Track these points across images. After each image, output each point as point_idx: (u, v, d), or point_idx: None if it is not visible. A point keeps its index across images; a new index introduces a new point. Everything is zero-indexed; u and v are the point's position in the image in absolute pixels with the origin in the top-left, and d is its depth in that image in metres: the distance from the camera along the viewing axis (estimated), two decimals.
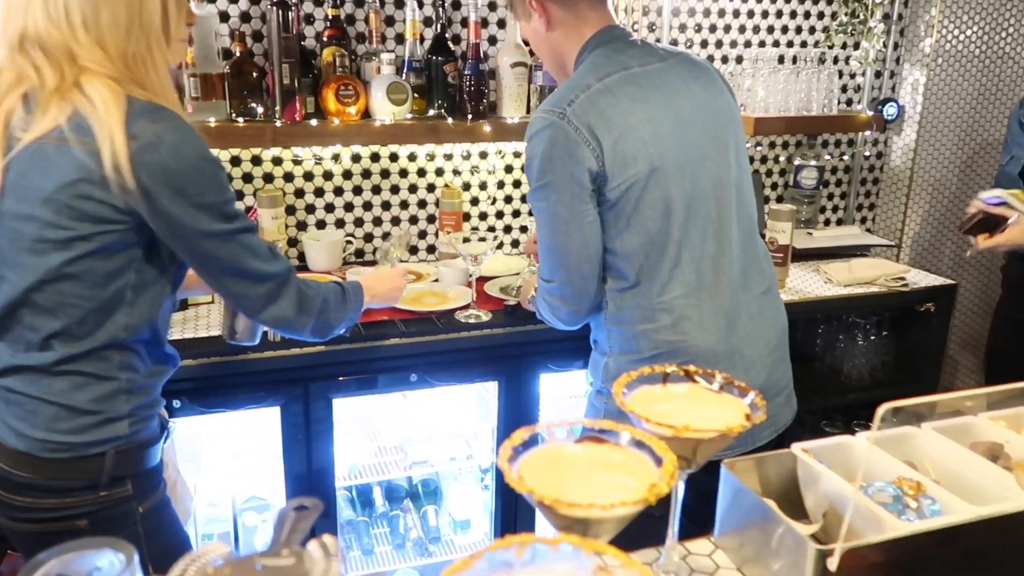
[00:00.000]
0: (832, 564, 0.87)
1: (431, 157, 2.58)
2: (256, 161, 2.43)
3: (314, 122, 2.21)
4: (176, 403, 1.85)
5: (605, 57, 1.52)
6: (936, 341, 2.67)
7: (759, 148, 3.06)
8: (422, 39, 2.38)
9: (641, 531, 1.02)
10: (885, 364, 2.76)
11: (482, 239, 2.68)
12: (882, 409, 0.77)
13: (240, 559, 0.56)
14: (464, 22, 2.45)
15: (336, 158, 2.48)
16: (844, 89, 3.06)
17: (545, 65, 1.68)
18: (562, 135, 1.43)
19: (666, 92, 1.52)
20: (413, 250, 2.65)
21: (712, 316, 1.53)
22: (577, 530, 0.76)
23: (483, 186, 2.66)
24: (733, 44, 2.86)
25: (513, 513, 2.33)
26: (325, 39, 2.29)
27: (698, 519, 1.10)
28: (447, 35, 2.41)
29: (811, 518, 1.07)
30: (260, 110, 2.19)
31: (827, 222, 3.22)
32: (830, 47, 2.97)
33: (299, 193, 2.50)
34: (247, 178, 2.44)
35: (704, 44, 2.83)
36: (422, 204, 2.62)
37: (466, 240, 2.65)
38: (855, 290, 2.57)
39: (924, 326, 2.67)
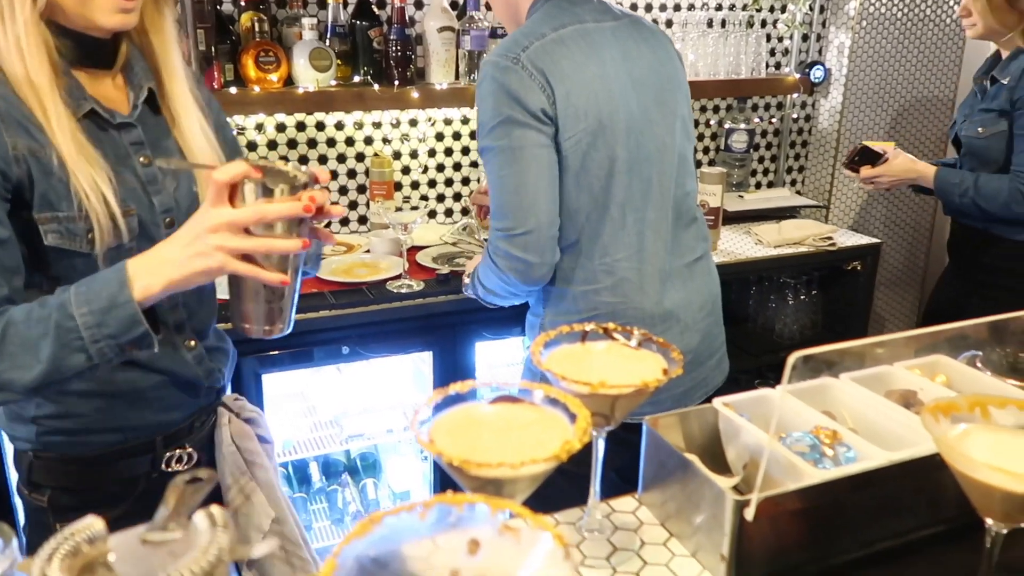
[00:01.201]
0: (748, 514, 0.88)
1: (359, 126, 2.52)
2: None
3: (233, 90, 2.13)
4: None
5: (559, 8, 1.50)
6: (863, 299, 2.74)
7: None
8: (345, 4, 2.31)
9: (579, 491, 1.02)
10: (815, 322, 2.82)
11: (414, 208, 2.64)
12: (793, 358, 0.78)
13: (121, 534, 0.53)
14: None
15: (260, 128, 2.41)
16: (772, 53, 3.09)
17: (497, 14, 1.64)
18: (516, 77, 1.41)
19: (619, 52, 1.51)
20: (344, 221, 2.60)
21: (651, 280, 1.54)
22: (490, 491, 0.74)
23: (414, 154, 2.61)
24: (663, 8, 2.85)
25: (453, 483, 2.32)
26: (243, 3, 2.21)
27: (632, 478, 1.10)
28: None
29: (733, 471, 1.08)
30: None
31: (758, 185, 3.26)
32: (758, 10, 2.99)
33: None
34: None
35: (634, 7, 2.82)
36: (351, 174, 2.56)
37: (398, 209, 2.61)
38: (784, 251, 2.61)
39: (851, 284, 2.73)
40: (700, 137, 3.11)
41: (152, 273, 0.97)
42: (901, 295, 3.40)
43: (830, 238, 2.64)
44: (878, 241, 2.71)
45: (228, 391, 1.39)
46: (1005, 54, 2.25)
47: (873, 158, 2.44)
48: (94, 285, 0.98)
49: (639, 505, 1.09)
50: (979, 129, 2.26)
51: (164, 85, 1.18)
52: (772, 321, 2.88)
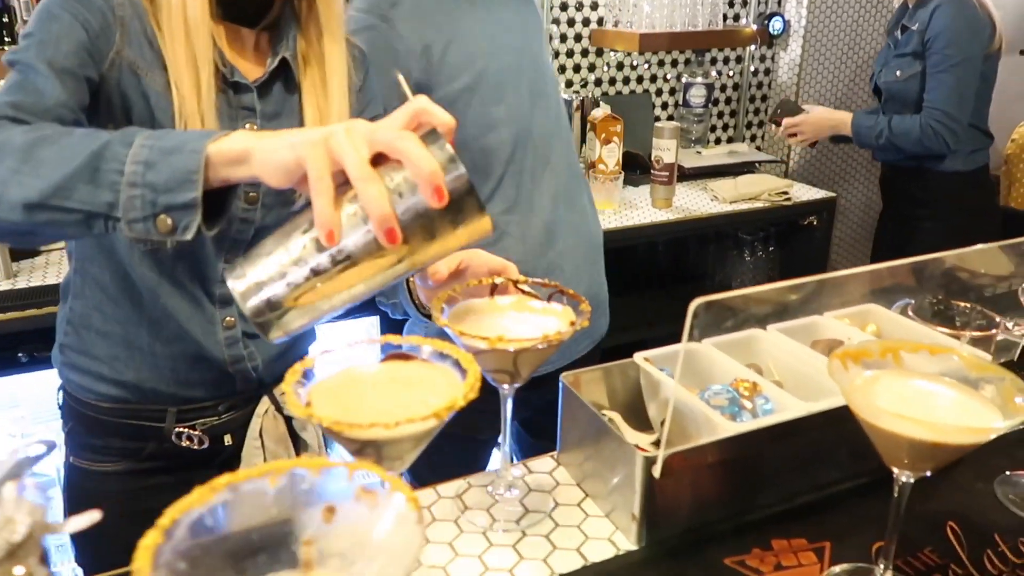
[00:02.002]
0: (656, 471, 0.84)
1: None
2: None
3: None
4: None
5: None
6: (819, 253, 2.71)
7: (647, 67, 3.00)
8: None
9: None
10: (772, 278, 2.80)
11: None
12: (694, 305, 0.73)
13: None
14: None
15: None
16: (731, 4, 3.02)
17: None
18: (382, 43, 1.33)
19: (489, 2, 1.45)
20: None
21: (532, 231, 1.49)
22: (370, 453, 0.70)
23: None
24: None
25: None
26: None
27: (544, 434, 1.07)
28: None
29: (654, 428, 1.05)
30: None
31: (718, 140, 3.21)
32: None
33: None
34: None
35: None
36: None
37: None
38: (740, 206, 2.58)
39: (808, 239, 2.70)
40: (658, 92, 3.06)
41: (241, 138, 0.75)
42: (860, 250, 3.39)
43: (786, 192, 2.61)
44: (833, 195, 2.69)
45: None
46: (912, 3, 2.37)
47: (794, 111, 2.54)
48: (173, 133, 0.80)
49: (557, 465, 1.06)
50: (896, 73, 2.37)
51: (315, 44, 1.07)
52: (730, 278, 2.86)
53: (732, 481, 0.93)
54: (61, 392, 1.18)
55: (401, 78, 0.90)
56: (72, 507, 1.22)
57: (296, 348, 1.21)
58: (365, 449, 0.69)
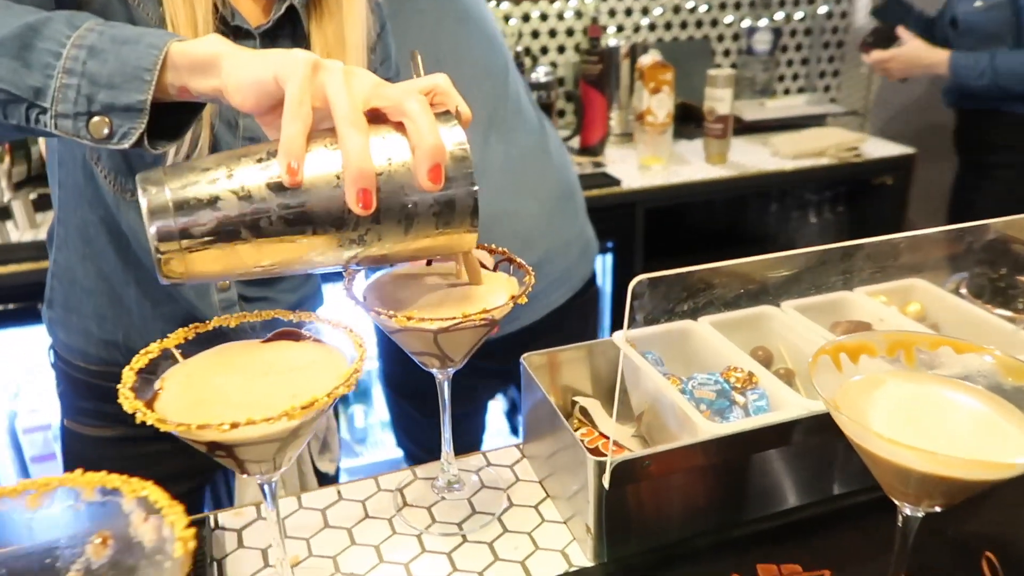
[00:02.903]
0: (605, 480, 0.69)
1: None
2: None
3: None
4: None
5: None
6: (895, 216, 2.45)
7: (706, 9, 2.76)
8: None
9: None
10: (839, 242, 2.55)
11: None
12: (634, 282, 0.58)
13: None
14: None
15: None
16: None
17: None
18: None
19: None
20: None
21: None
22: (222, 456, 0.58)
23: None
24: None
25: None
26: None
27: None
28: None
29: (636, 419, 0.90)
30: None
31: (786, 91, 2.95)
32: None
33: None
34: None
35: None
36: None
37: None
38: (803, 163, 2.34)
39: (881, 200, 2.44)
40: (719, 38, 2.81)
41: (212, 42, 0.62)
42: (937, 212, 3.07)
43: (856, 148, 2.35)
44: (911, 151, 2.41)
45: None
46: None
47: (888, 40, 2.22)
48: (132, 26, 0.66)
49: (521, 458, 0.92)
50: (977, 4, 2.09)
51: None
52: (793, 242, 2.62)
53: (711, 491, 0.78)
54: (52, 352, 1.11)
55: (419, 57, 0.76)
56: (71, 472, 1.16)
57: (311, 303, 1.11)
58: (216, 452, 0.57)
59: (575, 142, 2.46)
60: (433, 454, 0.88)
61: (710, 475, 0.77)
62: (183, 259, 0.58)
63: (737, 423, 0.75)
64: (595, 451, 0.84)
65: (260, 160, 0.59)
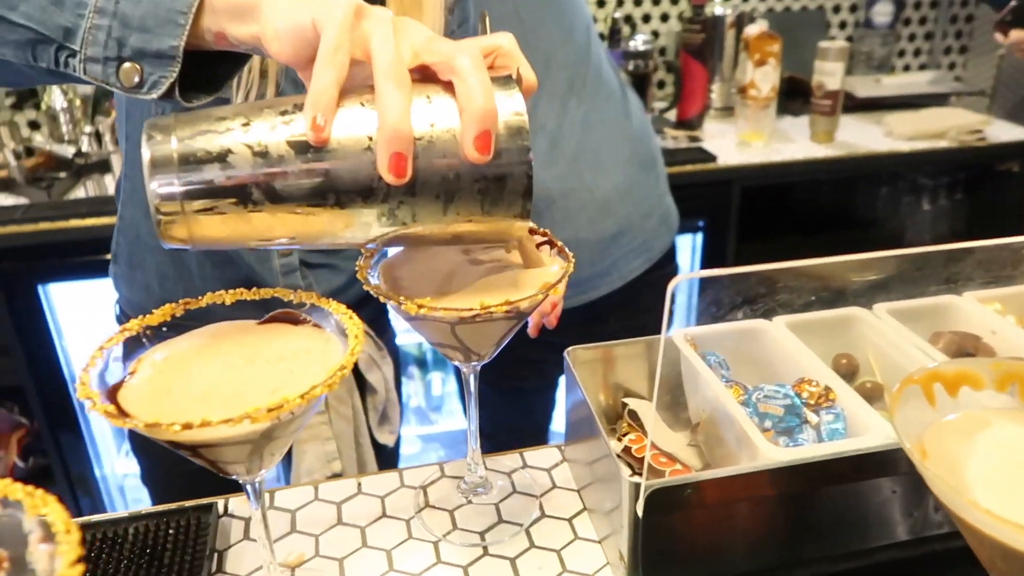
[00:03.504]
0: (638, 507, 0.60)
1: None
2: None
3: None
4: None
5: None
6: (1018, 207, 2.20)
7: None
8: None
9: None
10: (955, 232, 2.33)
11: None
12: (674, 283, 0.48)
13: None
14: None
15: None
16: None
17: None
18: None
19: None
20: None
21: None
22: (208, 457, 0.52)
23: None
24: None
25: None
26: None
27: None
28: None
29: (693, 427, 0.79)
30: None
31: (906, 67, 2.70)
32: None
33: None
34: None
35: None
36: None
37: None
38: (919, 145, 2.13)
39: (1004, 189, 2.20)
40: (835, 9, 2.58)
41: None
42: None
43: (979, 131, 2.12)
44: None
45: None
46: None
47: None
48: None
49: (561, 461, 0.83)
50: None
51: None
52: (902, 229, 2.41)
53: (767, 525, 0.67)
54: (117, 306, 1.10)
55: (487, 18, 0.68)
56: (136, 443, 1.15)
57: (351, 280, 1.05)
58: (180, 450, 0.51)
59: (671, 115, 2.32)
60: (499, 429, 0.80)
61: (767, 506, 0.66)
62: (186, 222, 0.51)
63: (805, 449, 0.63)
64: (643, 461, 0.75)
65: (284, 112, 0.51)
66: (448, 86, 0.52)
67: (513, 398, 1.40)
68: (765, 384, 0.72)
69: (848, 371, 0.79)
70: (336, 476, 1.08)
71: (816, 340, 0.79)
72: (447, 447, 2.42)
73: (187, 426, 0.45)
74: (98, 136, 1.90)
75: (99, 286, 1.73)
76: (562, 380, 1.56)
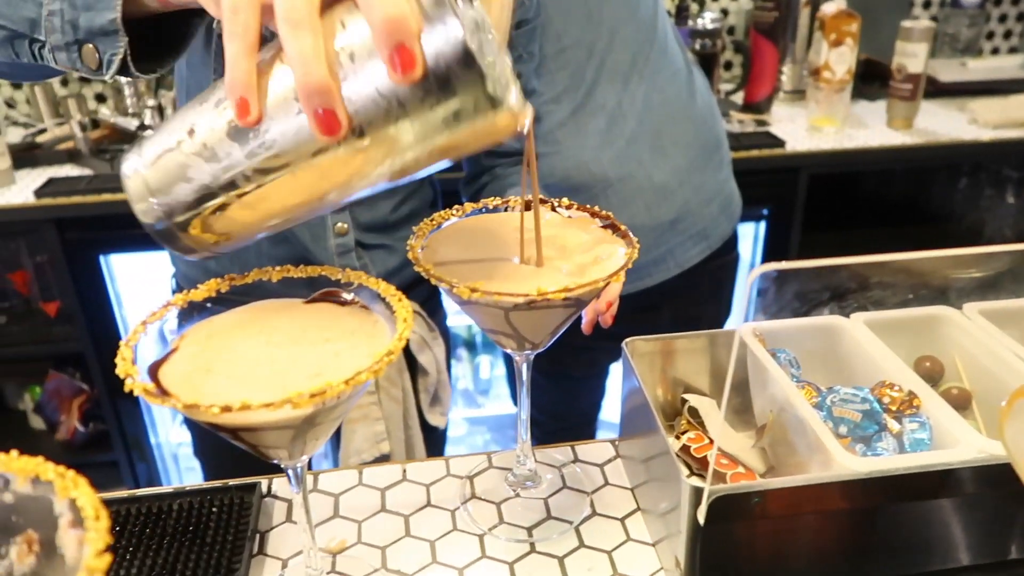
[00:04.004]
0: (700, 514, 0.55)
1: None
2: None
3: None
4: None
5: None
6: None
7: None
8: None
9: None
10: None
11: None
12: (755, 273, 0.43)
13: None
14: None
15: None
16: None
17: None
18: None
19: None
20: None
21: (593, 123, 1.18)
22: (249, 440, 0.49)
23: None
24: None
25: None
26: None
27: None
28: None
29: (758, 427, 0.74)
30: None
31: (995, 50, 2.55)
32: None
33: None
34: None
35: None
36: None
37: None
38: (1006, 134, 2.01)
39: None
40: None
41: None
42: None
43: None
44: None
45: None
46: None
47: None
48: None
49: (615, 456, 0.79)
50: None
51: None
52: (981, 224, 2.29)
53: (839, 539, 0.62)
54: (174, 279, 1.10)
55: None
56: None
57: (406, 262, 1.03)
58: (221, 432, 0.48)
59: (739, 97, 2.23)
60: (545, 415, 0.77)
61: (838, 520, 0.61)
62: (183, 237, 0.51)
63: (886, 460, 0.58)
64: (702, 462, 0.71)
65: (219, 103, 0.47)
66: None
67: (560, 385, 1.36)
68: (840, 386, 0.67)
69: (931, 375, 0.73)
70: (384, 457, 1.06)
71: (896, 340, 0.73)
72: (493, 431, 2.40)
73: (226, 408, 0.42)
74: (160, 110, 1.92)
75: (158, 258, 1.75)
76: (613, 368, 1.53)
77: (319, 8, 0.43)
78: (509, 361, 1.64)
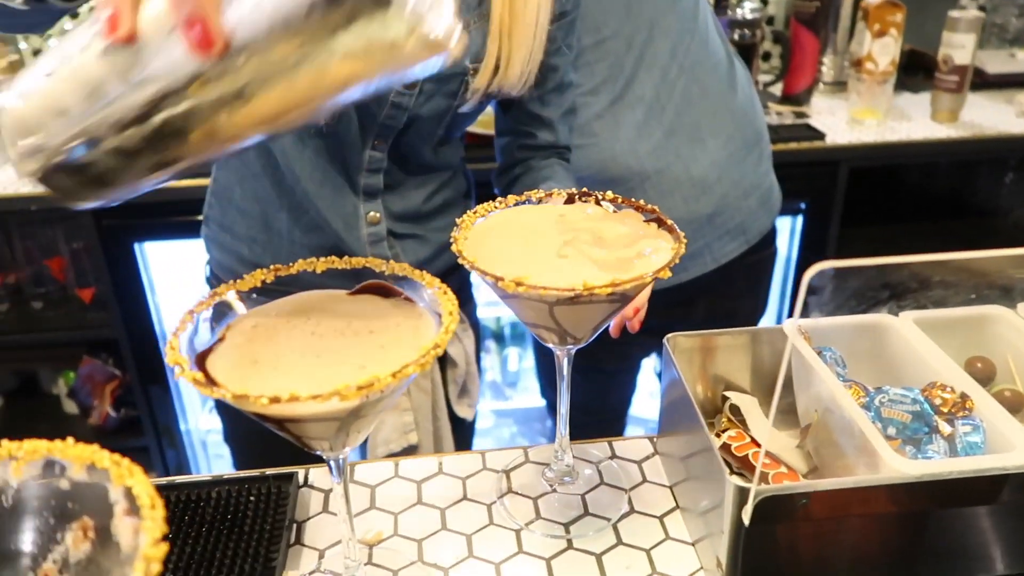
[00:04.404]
0: (745, 514, 0.54)
1: None
2: None
3: None
4: None
5: None
6: None
7: None
8: None
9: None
10: None
11: None
12: (814, 271, 0.42)
13: None
14: None
15: None
16: None
17: None
18: None
19: None
20: None
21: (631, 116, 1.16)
22: (293, 432, 0.49)
23: None
24: None
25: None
26: None
27: None
28: None
29: (801, 426, 0.73)
30: None
31: None
32: None
33: None
34: None
35: None
36: None
37: None
38: None
39: None
40: None
41: None
42: None
43: None
44: None
45: None
46: None
47: None
48: None
49: (652, 453, 0.78)
50: None
51: None
52: None
53: (886, 543, 0.60)
54: (208, 267, 1.11)
55: None
56: (221, 401, 1.15)
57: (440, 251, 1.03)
58: (267, 422, 0.48)
59: (777, 88, 2.20)
60: (575, 409, 0.76)
61: (886, 523, 0.59)
62: (62, 181, 0.45)
63: (940, 463, 0.57)
64: (744, 461, 0.69)
65: (93, 22, 0.42)
66: None
67: (592, 379, 1.35)
68: (889, 386, 0.65)
69: (983, 376, 0.71)
70: (412, 448, 1.06)
71: (945, 340, 0.71)
72: (520, 423, 2.40)
73: (275, 400, 0.42)
74: None
75: (192, 246, 1.76)
76: (644, 363, 1.52)
77: None
78: (539, 354, 1.63)
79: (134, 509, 0.34)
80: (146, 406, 1.96)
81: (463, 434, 1.20)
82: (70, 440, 0.37)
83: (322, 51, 0.39)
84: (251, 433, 1.11)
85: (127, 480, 0.35)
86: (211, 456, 2.23)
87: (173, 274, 1.90)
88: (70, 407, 2.11)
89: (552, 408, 1.67)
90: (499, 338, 2.47)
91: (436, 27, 0.40)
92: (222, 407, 1.15)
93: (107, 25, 0.40)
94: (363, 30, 0.39)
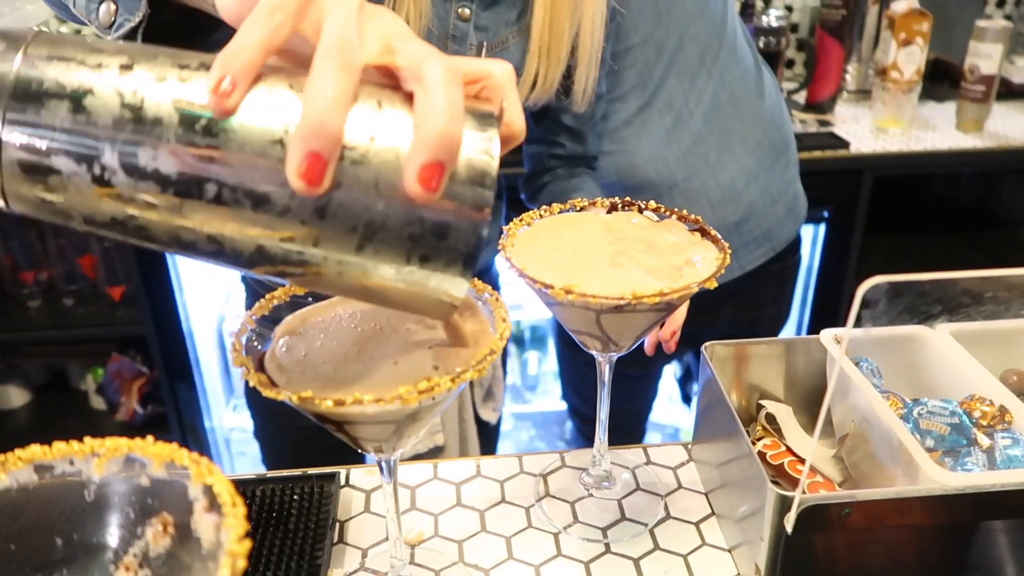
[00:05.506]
0: (787, 522, 0.55)
1: None
2: None
3: None
4: None
5: None
6: None
7: None
8: None
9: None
10: None
11: None
12: (868, 285, 0.43)
13: None
14: None
15: None
16: None
17: None
18: None
19: None
20: None
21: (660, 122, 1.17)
22: (331, 429, 0.51)
23: None
24: None
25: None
26: None
27: None
28: None
29: (837, 437, 0.74)
30: None
31: None
32: None
33: None
34: None
35: None
36: None
37: None
38: None
39: None
40: None
41: None
42: None
43: None
44: None
45: None
46: None
47: None
48: None
49: (687, 460, 0.79)
50: None
51: None
52: None
53: (927, 553, 0.61)
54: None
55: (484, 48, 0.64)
56: (253, 398, 1.17)
57: (485, 252, 1.03)
58: (326, 423, 0.50)
59: (801, 96, 2.20)
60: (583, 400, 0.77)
61: (927, 535, 0.60)
62: (12, 179, 0.38)
63: (983, 475, 0.57)
64: (779, 469, 0.70)
65: (184, 67, 0.38)
66: (409, 98, 0.39)
67: (614, 384, 1.36)
68: (927, 398, 0.66)
69: (1018, 389, 0.72)
70: (438, 449, 1.07)
71: (984, 352, 0.72)
72: (539, 427, 2.41)
73: (339, 403, 0.43)
74: None
75: None
76: (666, 370, 1.52)
77: (362, 67, 0.39)
78: (562, 359, 1.64)
79: (215, 506, 0.35)
80: (172, 403, 1.99)
81: (487, 436, 1.22)
82: (149, 439, 0.38)
83: (380, 264, 0.40)
84: (281, 430, 1.13)
85: (207, 478, 0.36)
86: (234, 454, 2.26)
87: (202, 273, 1.92)
88: (97, 403, 2.14)
89: (573, 411, 1.68)
90: (519, 342, 2.49)
91: (461, 296, 0.42)
92: (254, 404, 1.17)
93: (214, 90, 0.37)
94: (423, 285, 0.41)
